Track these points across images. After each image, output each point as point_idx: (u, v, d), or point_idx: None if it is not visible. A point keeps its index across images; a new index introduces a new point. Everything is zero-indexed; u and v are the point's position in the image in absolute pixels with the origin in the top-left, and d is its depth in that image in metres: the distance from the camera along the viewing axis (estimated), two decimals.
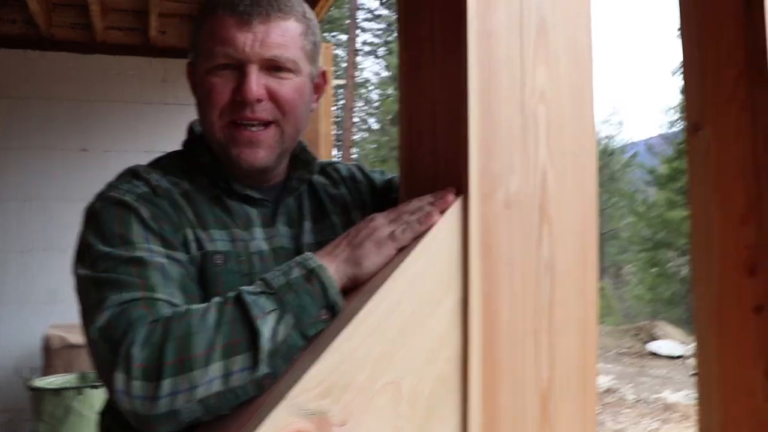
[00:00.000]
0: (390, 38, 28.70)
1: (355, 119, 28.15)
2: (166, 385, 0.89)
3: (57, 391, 3.57)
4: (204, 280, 1.10)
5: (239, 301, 0.93)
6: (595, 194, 0.99)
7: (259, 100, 1.14)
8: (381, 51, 29.72)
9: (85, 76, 4.69)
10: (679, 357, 11.97)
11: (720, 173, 1.34)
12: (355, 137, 28.42)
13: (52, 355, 3.86)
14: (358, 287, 0.95)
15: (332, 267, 0.96)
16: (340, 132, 24.75)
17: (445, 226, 0.88)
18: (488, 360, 0.89)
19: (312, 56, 1.22)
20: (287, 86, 1.17)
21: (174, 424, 0.91)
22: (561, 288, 0.94)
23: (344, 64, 25.51)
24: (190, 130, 1.29)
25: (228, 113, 1.15)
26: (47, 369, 3.86)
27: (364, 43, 29.60)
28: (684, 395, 9.63)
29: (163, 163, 1.23)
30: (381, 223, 0.99)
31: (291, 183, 1.27)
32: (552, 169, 0.95)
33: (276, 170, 1.25)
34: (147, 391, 0.89)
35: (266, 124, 1.17)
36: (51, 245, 4.36)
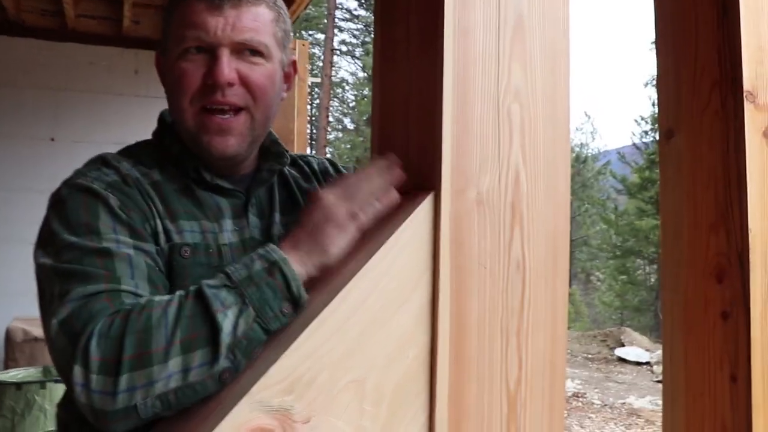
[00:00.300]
0: (368, 39, 28.70)
1: (330, 119, 28.08)
2: (124, 380, 0.86)
3: (19, 385, 3.50)
4: (171, 273, 1.07)
5: (200, 295, 0.91)
6: (567, 196, 0.98)
7: (230, 84, 1.12)
8: (358, 52, 29.70)
9: (55, 65, 4.61)
10: (645, 363, 12.11)
11: (692, 180, 1.34)
12: (329, 136, 28.35)
13: (14, 348, 3.80)
14: (326, 277, 0.93)
15: (296, 259, 0.94)
16: (314, 131, 24.68)
17: (415, 222, 0.87)
18: (456, 359, 0.88)
19: (283, 43, 1.21)
20: (258, 71, 1.15)
21: (131, 421, 0.88)
22: (531, 289, 0.93)
23: (320, 63, 25.45)
24: (161, 119, 1.26)
25: (198, 99, 1.13)
26: (9, 362, 3.79)
27: (342, 42, 29.56)
28: (648, 401, 9.74)
29: (133, 152, 1.19)
30: (333, 201, 0.98)
31: (261, 174, 1.24)
32: (525, 168, 0.94)
33: (247, 160, 1.22)
34: (105, 386, 0.87)
35: (237, 110, 1.14)
36: (15, 237, 4.28)
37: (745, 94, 1.21)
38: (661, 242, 1.43)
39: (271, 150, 1.28)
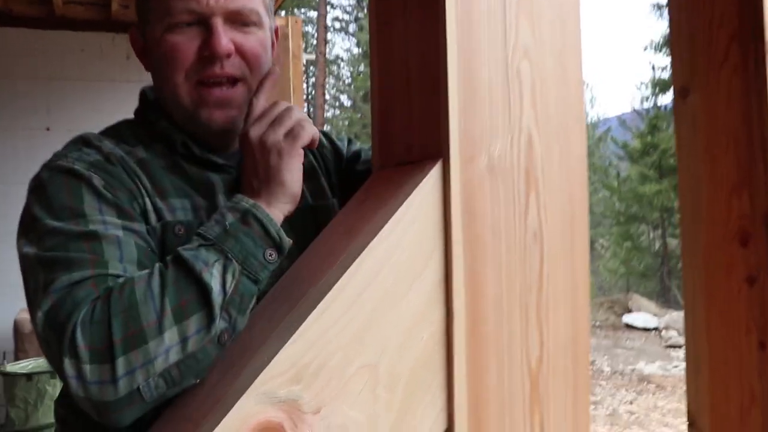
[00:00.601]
0: (361, 15, 28.43)
1: (327, 96, 27.91)
2: (121, 364, 0.81)
3: (29, 376, 3.50)
4: (165, 253, 1.00)
5: (179, 260, 0.86)
6: (584, 159, 0.92)
7: (228, 55, 1.06)
8: (352, 28, 29.45)
9: (45, 53, 4.54)
10: (653, 329, 12.10)
11: (710, 141, 1.28)
12: (327, 114, 28.20)
13: (23, 340, 3.78)
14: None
15: (263, 203, 0.92)
16: (311, 109, 24.54)
17: (424, 191, 0.81)
18: (473, 339, 0.82)
19: (270, 9, 1.16)
20: (253, 40, 1.10)
21: (136, 407, 0.83)
22: (550, 260, 0.87)
23: (314, 42, 25.24)
24: (143, 97, 1.20)
25: (194, 73, 1.07)
26: (19, 354, 3.78)
27: (335, 19, 29.30)
28: (658, 366, 9.74)
29: (114, 131, 1.13)
30: (261, 131, 0.98)
31: None
32: (537, 131, 0.88)
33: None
34: (101, 375, 0.81)
35: (234, 82, 1.09)
36: (17, 229, 4.22)
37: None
38: (679, 205, 1.38)
39: None
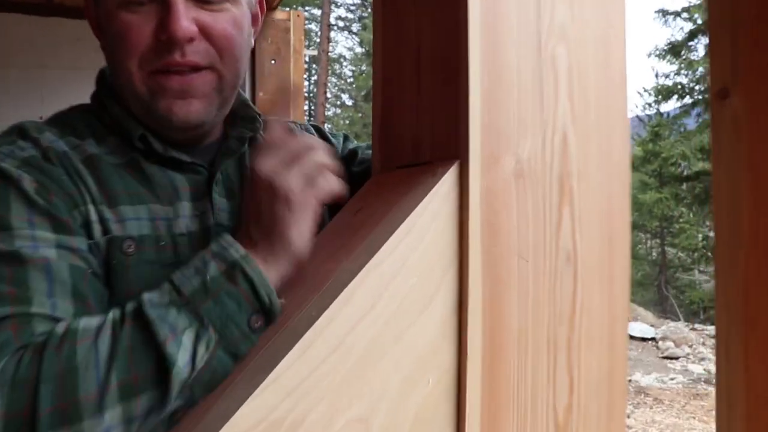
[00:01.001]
0: (365, 14, 28.30)
1: (328, 95, 27.75)
2: None
3: None
4: (111, 275, 0.83)
5: (141, 318, 0.68)
6: (627, 165, 0.77)
7: (191, 39, 0.87)
8: (355, 27, 29.31)
9: (41, 42, 4.38)
10: (651, 339, 11.96)
11: (753, 150, 1.14)
12: (328, 113, 28.04)
13: None
14: (300, 274, 0.71)
15: (258, 257, 0.72)
16: (312, 107, 24.36)
17: (436, 201, 0.65)
18: (490, 384, 0.66)
19: None
20: (223, 20, 0.90)
21: None
22: (585, 287, 0.71)
23: (318, 39, 25.10)
24: (101, 78, 1.01)
25: (150, 60, 0.88)
26: None
27: (338, 18, 29.17)
28: (655, 378, 9.60)
29: (63, 119, 0.94)
30: (275, 170, 0.76)
31: (229, 143, 0.99)
32: (574, 130, 0.72)
33: (213, 127, 0.98)
34: None
35: (200, 69, 0.90)
36: None
37: None
38: (714, 220, 1.23)
39: (240, 114, 1.03)
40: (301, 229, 0.73)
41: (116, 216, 0.85)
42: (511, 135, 0.68)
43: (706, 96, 16.66)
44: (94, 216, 0.84)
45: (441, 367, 0.65)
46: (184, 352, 0.66)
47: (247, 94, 3.62)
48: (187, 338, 0.66)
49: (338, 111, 30.52)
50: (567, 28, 0.73)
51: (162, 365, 0.65)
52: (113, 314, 0.69)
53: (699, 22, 17.29)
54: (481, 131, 0.66)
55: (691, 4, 17.60)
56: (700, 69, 17.37)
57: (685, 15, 17.90)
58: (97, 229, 0.83)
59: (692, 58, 17.80)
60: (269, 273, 0.71)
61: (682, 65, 18.03)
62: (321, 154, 0.78)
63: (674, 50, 17.89)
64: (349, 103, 30.24)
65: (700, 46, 17.43)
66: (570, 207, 0.71)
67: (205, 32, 0.88)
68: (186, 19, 0.86)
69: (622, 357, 0.74)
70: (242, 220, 0.79)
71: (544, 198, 0.69)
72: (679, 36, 18.22)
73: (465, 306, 0.65)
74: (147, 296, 0.70)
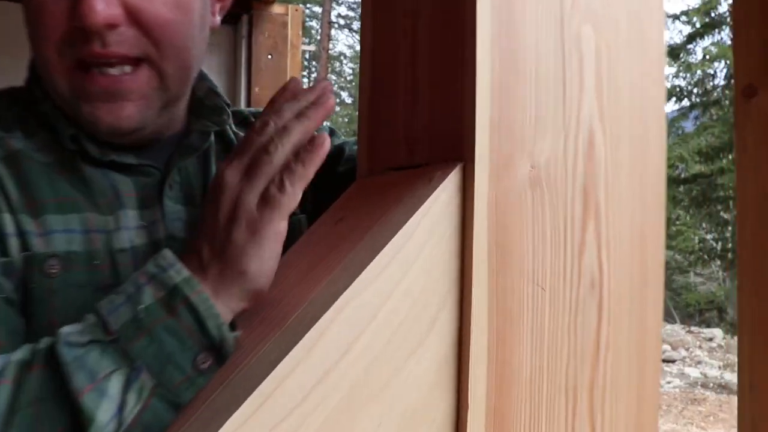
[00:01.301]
0: None
1: None
2: None
3: None
4: (30, 302, 0.69)
5: (53, 360, 0.54)
6: (663, 173, 0.64)
7: (111, 26, 0.69)
8: (356, 25, 29.26)
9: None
10: None
11: None
12: None
13: None
14: (263, 303, 0.58)
15: (207, 285, 0.58)
16: None
17: (433, 213, 0.52)
18: None
19: None
20: (158, 1, 0.72)
21: None
22: (612, 320, 0.59)
23: (318, 37, 25.03)
24: (34, 63, 0.82)
25: (69, 50, 0.71)
26: None
27: (339, 16, 29.10)
28: None
29: None
30: (234, 185, 0.60)
31: (190, 139, 0.83)
32: (602, 129, 0.60)
33: (162, 126, 0.82)
34: None
35: (134, 63, 0.73)
36: None
37: None
38: (738, 230, 1.13)
39: (206, 104, 0.87)
40: (262, 262, 0.58)
41: (40, 228, 0.70)
42: (527, 134, 0.56)
43: (704, 99, 16.67)
44: (10, 227, 0.69)
45: (435, 422, 0.52)
46: (108, 403, 0.52)
47: (243, 89, 3.49)
48: (113, 386, 0.53)
49: (338, 109, 30.50)
50: (594, 4, 0.60)
51: (77, 423, 0.52)
52: (20, 354, 0.56)
53: (698, 25, 17.29)
54: (490, 128, 0.54)
55: (690, 8, 17.58)
56: (699, 72, 17.35)
57: (683, 18, 17.88)
58: (13, 243, 0.68)
59: (690, 61, 17.76)
60: (219, 307, 0.57)
61: (681, 68, 17.98)
62: (292, 131, 0.62)
63: (673, 53, 17.85)
64: (349, 101, 30.23)
65: (699, 50, 17.42)
66: (596, 223, 0.58)
67: (133, 16, 0.71)
68: (101, 1, 0.68)
69: (652, 404, 0.61)
70: (196, 233, 0.64)
71: (565, 212, 0.57)
72: (678, 39, 18.17)
73: (466, 346, 0.52)
74: (65, 331, 0.56)
